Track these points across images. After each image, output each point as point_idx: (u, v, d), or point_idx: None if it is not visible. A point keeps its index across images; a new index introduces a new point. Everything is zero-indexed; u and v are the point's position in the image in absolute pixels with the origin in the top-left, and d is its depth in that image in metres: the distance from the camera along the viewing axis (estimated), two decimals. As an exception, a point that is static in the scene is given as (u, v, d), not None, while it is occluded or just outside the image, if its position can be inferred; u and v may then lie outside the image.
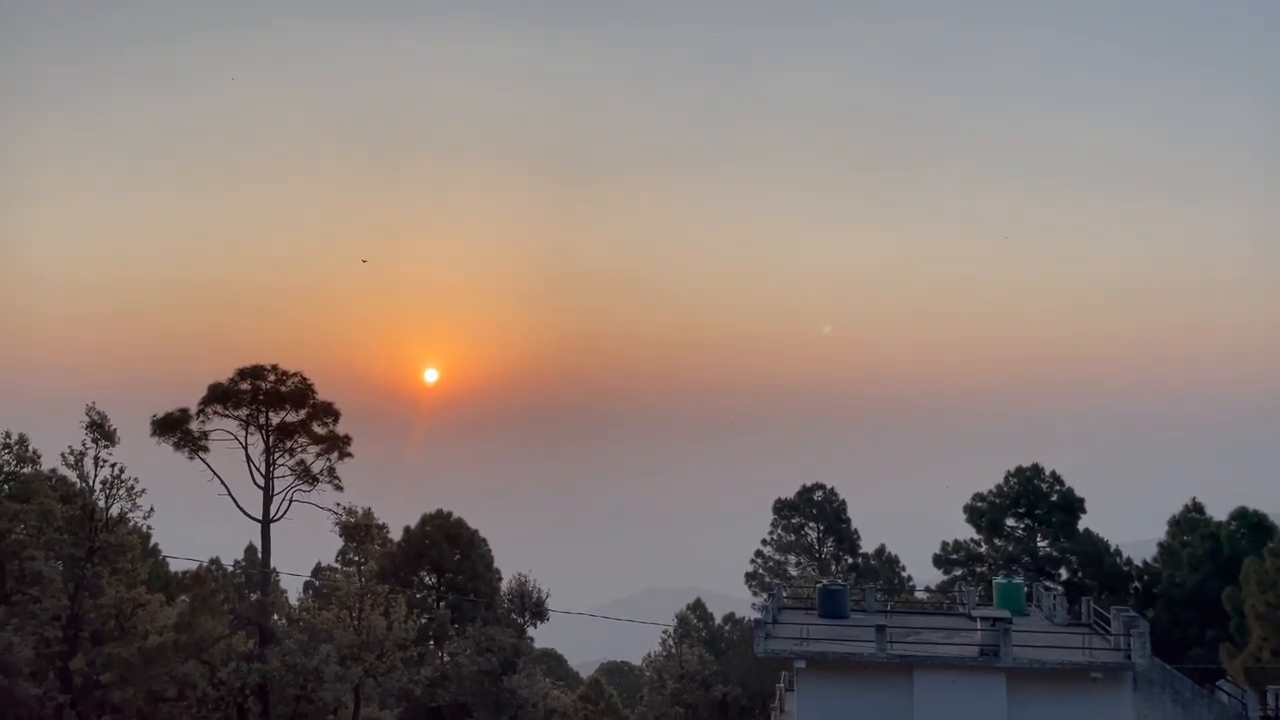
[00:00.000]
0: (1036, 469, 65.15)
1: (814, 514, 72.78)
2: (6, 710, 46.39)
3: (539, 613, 61.61)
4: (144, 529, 57.56)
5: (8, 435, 52.21)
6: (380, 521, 59.19)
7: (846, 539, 72.08)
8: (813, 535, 72.99)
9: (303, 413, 53.73)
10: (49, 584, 50.63)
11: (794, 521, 73.14)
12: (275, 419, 53.44)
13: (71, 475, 52.99)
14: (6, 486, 52.01)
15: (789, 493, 73.69)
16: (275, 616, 58.52)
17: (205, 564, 69.33)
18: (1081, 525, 64.11)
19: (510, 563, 70.30)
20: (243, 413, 53.02)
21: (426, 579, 68.95)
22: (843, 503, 72.93)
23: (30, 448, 52.74)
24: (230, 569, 74.23)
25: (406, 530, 69.29)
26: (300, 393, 53.70)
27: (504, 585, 66.94)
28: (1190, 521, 61.52)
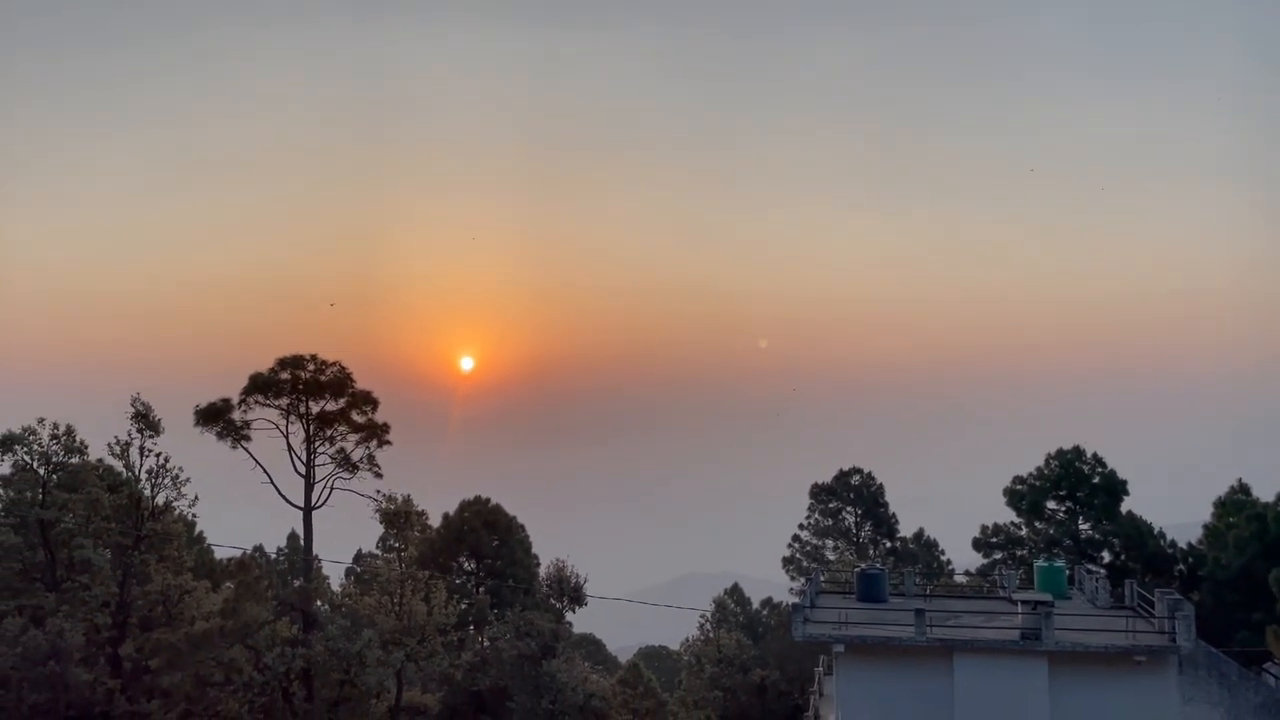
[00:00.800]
0: (1078, 451, 64.34)
1: (851, 498, 72.46)
2: (59, 695, 47.45)
3: (577, 598, 61.92)
4: (189, 517, 58.63)
5: (55, 426, 53.29)
6: (420, 508, 59.64)
7: (884, 523, 71.72)
8: (850, 519, 72.69)
9: (342, 401, 54.27)
10: (98, 572, 51.69)
11: (831, 506, 72.86)
12: (315, 408, 54.01)
13: (118, 465, 54.00)
14: (55, 476, 53.14)
15: (826, 477, 73.42)
16: (318, 602, 59.37)
17: (249, 551, 70.39)
18: (1124, 507, 63.25)
19: (548, 549, 70.74)
20: (283, 402, 53.63)
21: (466, 565, 69.59)
22: (880, 486, 72.54)
23: (77, 438, 53.82)
24: (273, 556, 75.32)
25: (446, 517, 69.91)
26: (339, 382, 54.23)
27: (542, 571, 67.37)
28: (1236, 503, 60.46)
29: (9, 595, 51.35)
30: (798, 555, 72.40)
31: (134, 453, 53.06)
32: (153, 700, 50.32)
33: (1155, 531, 62.97)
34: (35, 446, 52.62)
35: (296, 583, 57.47)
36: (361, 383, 55.00)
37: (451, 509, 70.43)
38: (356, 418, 54.38)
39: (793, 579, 70.78)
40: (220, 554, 67.32)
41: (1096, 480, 63.38)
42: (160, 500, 53.93)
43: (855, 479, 72.63)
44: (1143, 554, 61.24)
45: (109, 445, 53.02)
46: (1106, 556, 62.44)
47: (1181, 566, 61.89)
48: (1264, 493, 60.40)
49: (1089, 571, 45.12)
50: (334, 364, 54.60)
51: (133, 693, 50.76)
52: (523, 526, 71.50)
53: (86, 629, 50.28)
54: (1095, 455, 64.14)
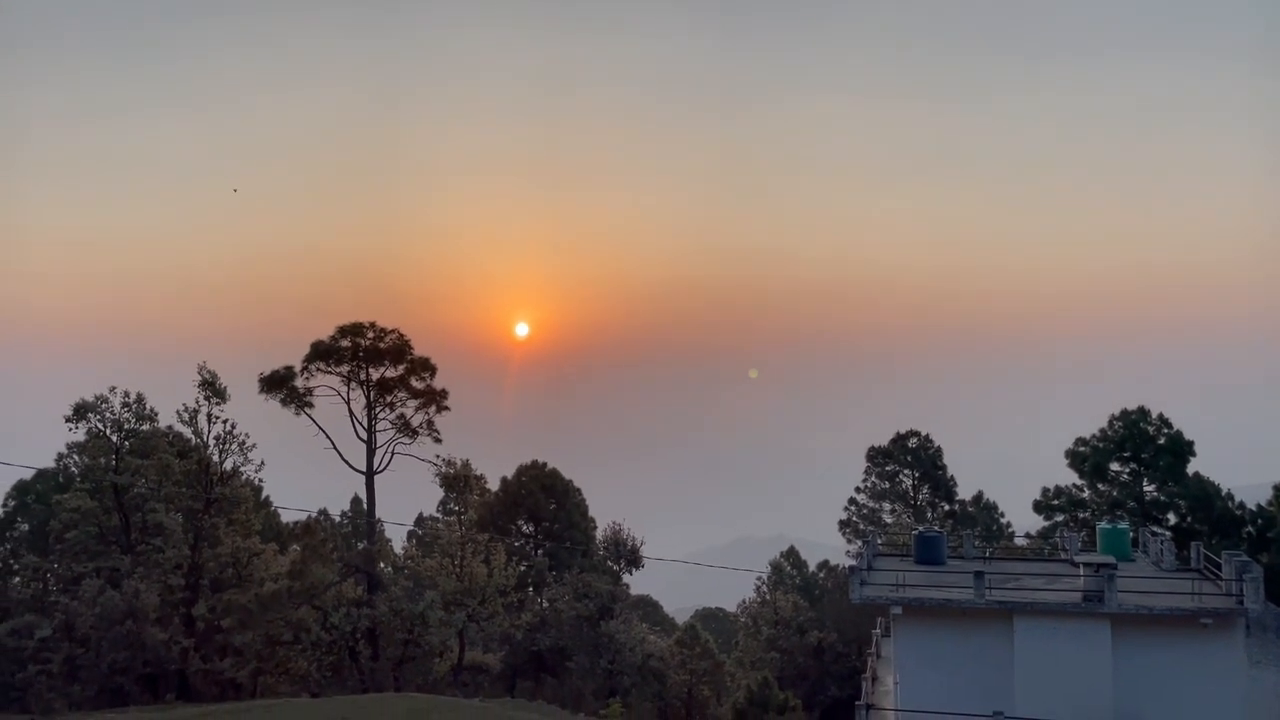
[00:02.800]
0: (1142, 411, 62.98)
1: (909, 461, 71.80)
2: (136, 653, 49.20)
3: (634, 560, 62.48)
4: (256, 482, 60.08)
5: (126, 395, 54.84)
6: (478, 472, 60.49)
7: (943, 486, 71.01)
8: (908, 482, 72.09)
9: (401, 368, 55.04)
10: (170, 535, 53.32)
11: (888, 469, 72.29)
12: (375, 374, 54.86)
13: (187, 432, 55.51)
14: (127, 443, 54.74)
15: (883, 440, 72.80)
16: (381, 564, 60.65)
17: (314, 515, 72.00)
18: (1191, 469, 61.87)
19: (604, 512, 71.34)
20: (344, 369, 54.53)
21: (524, 528, 70.47)
22: (938, 449, 71.75)
23: (148, 406, 55.33)
24: (337, 520, 76.98)
25: (504, 481, 70.73)
26: (398, 349, 54.96)
27: (599, 533, 67.99)
28: (1309, 464, 58.88)
29: (86, 558, 53.18)
30: (854, 518, 72.07)
31: (202, 420, 54.50)
32: (225, 658, 51.89)
33: (1223, 493, 61.55)
34: (108, 414, 54.18)
35: (360, 546, 58.73)
36: (419, 349, 55.72)
37: (509, 473, 71.25)
38: (415, 384, 55.13)
39: (849, 542, 70.51)
40: (286, 518, 69.04)
41: (1162, 441, 62.04)
42: (228, 465, 55.34)
43: (913, 442, 71.91)
44: (1210, 516, 59.95)
45: (178, 413, 54.48)
46: (1172, 519, 61.23)
47: (1250, 528, 60.48)
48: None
49: (1153, 533, 44.32)
50: (393, 331, 55.34)
51: (206, 651, 52.39)
52: (579, 490, 72.10)
53: (161, 590, 51.91)
54: (1161, 416, 62.74)
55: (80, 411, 53.79)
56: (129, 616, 48.96)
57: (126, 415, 54.64)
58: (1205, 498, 60.50)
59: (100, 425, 54.24)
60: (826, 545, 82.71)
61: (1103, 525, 43.31)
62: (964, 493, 71.02)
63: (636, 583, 70.65)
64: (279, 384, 53.72)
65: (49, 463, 61.27)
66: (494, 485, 69.53)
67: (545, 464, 71.96)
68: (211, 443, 54.87)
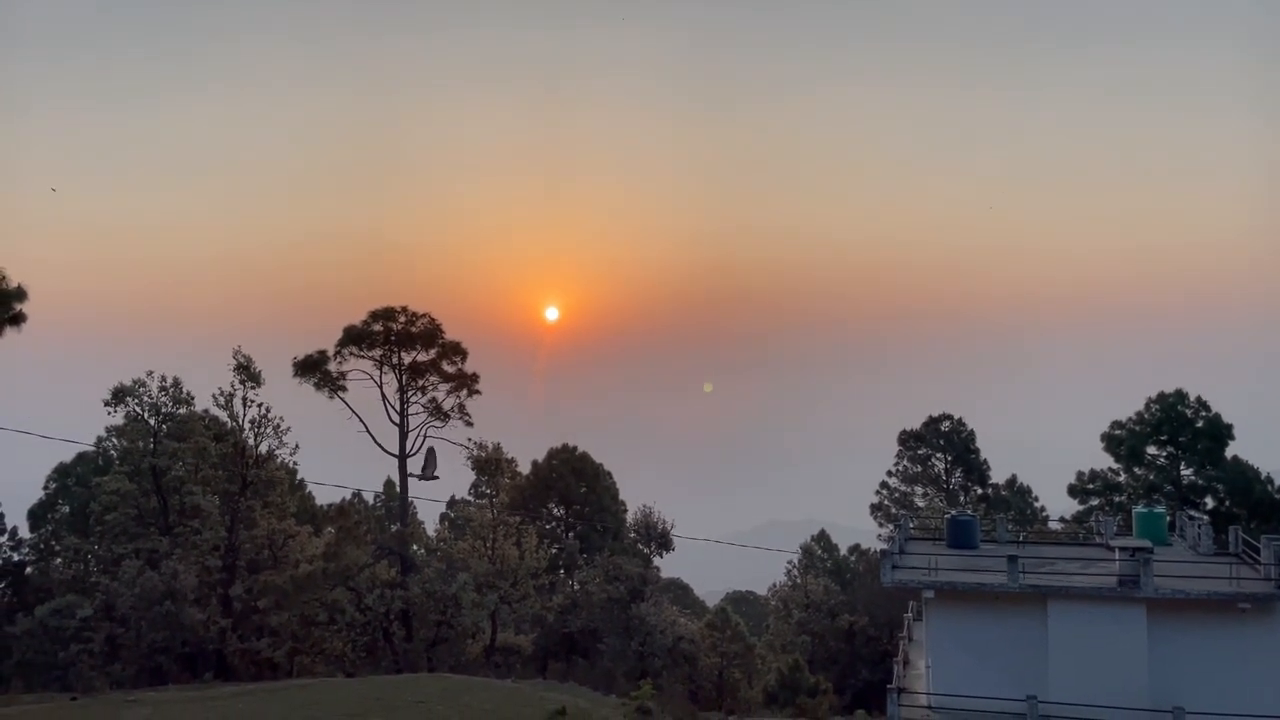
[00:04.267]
0: (1180, 394, 62.14)
1: (941, 444, 71.37)
2: (175, 633, 50.02)
3: (664, 543, 62.59)
4: (290, 465, 60.72)
5: (163, 379, 55.54)
6: (509, 456, 60.79)
7: (975, 469, 70.52)
8: (940, 466, 71.68)
9: (433, 352, 55.32)
10: (207, 517, 54.06)
11: (920, 453, 71.89)
12: (407, 359, 55.19)
13: (223, 415, 56.14)
14: (165, 426, 55.48)
15: (915, 424, 72.39)
16: (414, 546, 61.19)
17: (348, 497, 72.76)
18: (1230, 452, 61.02)
19: (634, 495, 71.57)
20: (376, 353, 54.89)
21: (555, 510, 70.84)
22: (971, 433, 71.23)
23: (184, 390, 56.00)
24: (371, 502, 77.69)
25: (535, 464, 71.08)
26: (430, 333, 55.23)
27: (629, 516, 68.19)
28: (1351, 447, 57.88)
29: (126, 539, 54.03)
30: (886, 502, 71.80)
31: (237, 403, 55.11)
32: (262, 638, 52.63)
33: (1263, 477, 60.68)
34: (145, 398, 54.89)
35: (394, 528, 59.27)
36: (451, 333, 55.97)
37: (540, 456, 71.61)
38: (447, 368, 55.41)
39: (880, 525, 70.27)
40: (320, 500, 69.78)
41: (1200, 425, 61.21)
42: (263, 449, 55.96)
43: (945, 425, 71.44)
44: (1249, 500, 59.13)
45: (214, 396, 55.12)
46: (1210, 503, 60.46)
47: (1290, 513, 59.59)
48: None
49: (1191, 518, 43.77)
50: (424, 315, 55.61)
51: (243, 631, 53.14)
52: (609, 473, 72.33)
53: (198, 571, 52.69)
54: (1199, 399, 61.88)
55: (119, 395, 54.53)
56: (168, 597, 49.75)
57: (164, 399, 55.33)
58: (1244, 481, 59.67)
59: (138, 409, 54.98)
60: (858, 529, 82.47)
61: (1139, 509, 42.83)
62: (997, 476, 70.54)
63: (667, 565, 70.82)
64: (312, 368, 54.18)
65: (89, 446, 62.26)
66: (525, 469, 69.88)
67: (575, 448, 72.23)
68: (247, 426, 55.52)
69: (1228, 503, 59.76)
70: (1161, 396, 62.47)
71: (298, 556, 54.26)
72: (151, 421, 55.26)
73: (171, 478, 54.54)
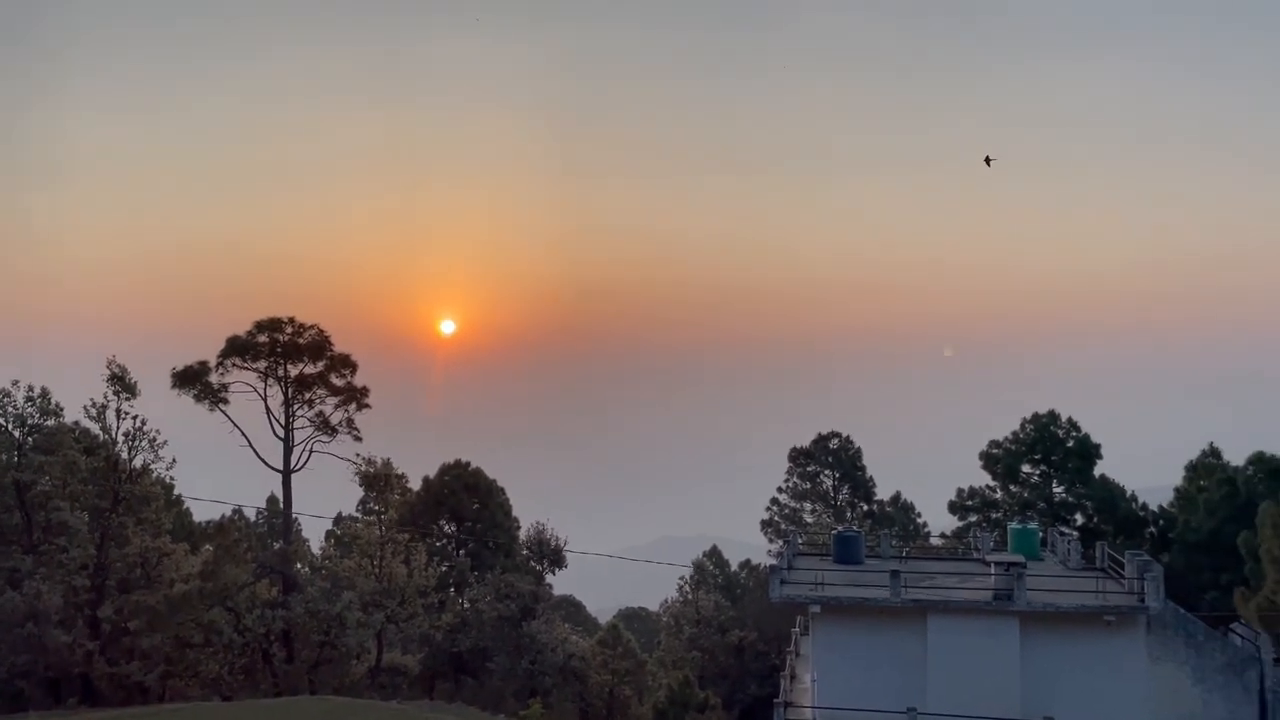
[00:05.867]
0: (1053, 415, 64.95)
1: (830, 462, 72.97)
2: (38, 656, 47.49)
3: (557, 559, 62.37)
4: (167, 480, 58.42)
5: (30, 389, 52.83)
6: (399, 471, 59.75)
7: (862, 486, 72.32)
8: (828, 483, 73.25)
9: (320, 364, 54.05)
10: (75, 534, 51.52)
11: (809, 469, 73.37)
12: (293, 371, 53.80)
13: (95, 428, 53.70)
14: (31, 439, 52.74)
15: (804, 441, 73.86)
16: (298, 565, 59.47)
17: (228, 514, 70.33)
18: (1098, 471, 63.99)
19: (528, 511, 71.01)
20: (261, 365, 53.37)
21: (446, 527, 69.74)
22: (858, 450, 73.05)
23: (53, 400, 53.36)
24: (253, 519, 75.27)
25: (426, 480, 69.89)
26: (318, 345, 53.97)
27: (522, 533, 67.66)
28: (1207, 466, 61.33)
29: (-15, 558, 51.10)
30: (776, 518, 72.98)
31: (110, 415, 52.79)
32: (132, 662, 50.42)
33: (1128, 494, 63.82)
34: (10, 409, 52.18)
35: (276, 545, 57.53)
36: (341, 346, 54.83)
37: (432, 472, 70.47)
38: (335, 381, 54.21)
39: (771, 541, 71.37)
40: (200, 516, 67.31)
41: (1071, 444, 64.06)
42: (138, 463, 53.70)
43: (834, 443, 73.10)
44: (1115, 516, 62.11)
45: (85, 408, 52.74)
46: (1079, 519, 63.28)
47: (1153, 529, 62.82)
48: (1234, 457, 61.28)
49: (1061, 533, 45.75)
50: (312, 327, 54.36)
51: (112, 654, 50.83)
52: (503, 490, 71.59)
53: (64, 591, 50.20)
54: (1070, 419, 64.78)
55: (-20, 406, 51.65)
56: (30, 618, 47.22)
57: (30, 410, 52.65)
58: (1110, 499, 62.68)
59: (1, 420, 52.19)
60: (749, 544, 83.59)
61: (1013, 525, 44.60)
62: (882, 493, 72.49)
63: (560, 583, 70.55)
64: (192, 379, 52.37)
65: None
66: (415, 484, 68.70)
67: (469, 463, 71.27)
68: (120, 439, 53.20)
69: (1096, 519, 62.65)
70: (1036, 417, 65.17)
71: (172, 576, 52.16)
72: (16, 433, 52.49)
73: (37, 493, 51.84)
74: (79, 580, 51.37)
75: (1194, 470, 61.86)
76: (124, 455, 53.37)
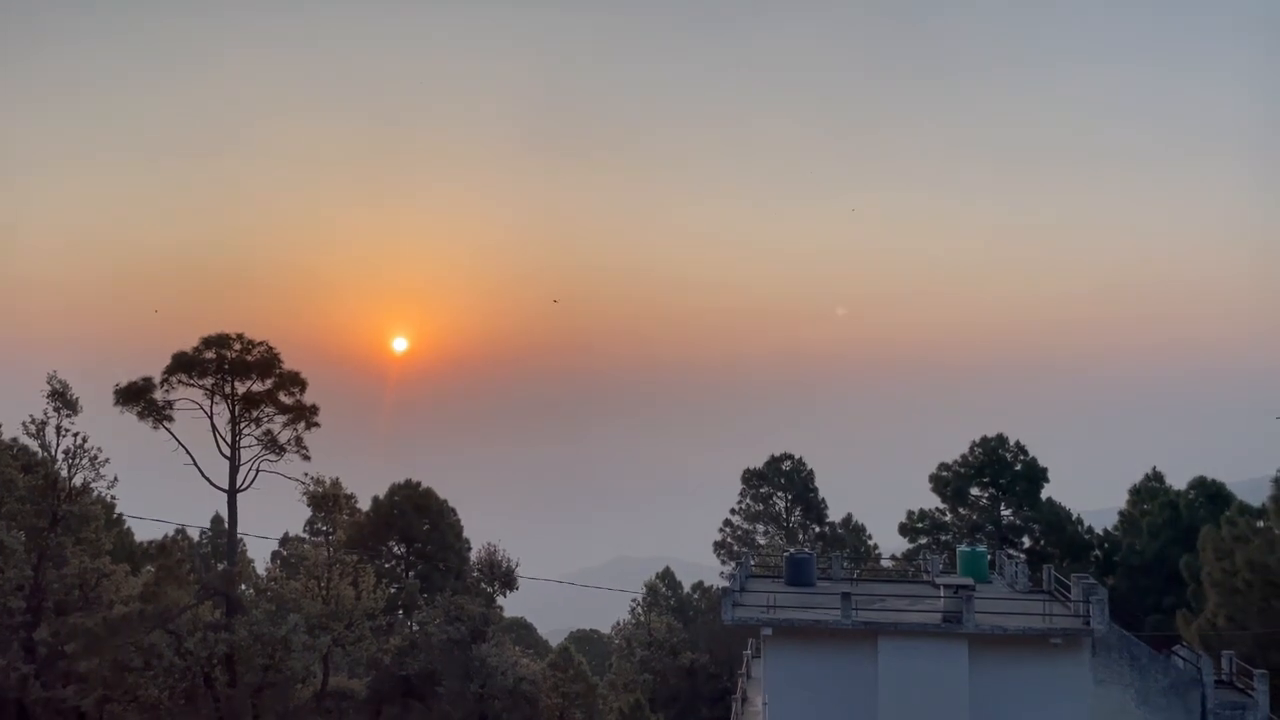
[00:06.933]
0: (1001, 439, 65.90)
1: (782, 483, 73.26)
2: (-31, 681, 45.99)
3: (508, 581, 61.78)
4: (108, 499, 57.03)
5: (-34, 404, 51.47)
6: (348, 491, 58.91)
7: (814, 508, 72.66)
8: (781, 505, 73.51)
9: (269, 382, 53.10)
10: (11, 554, 50.01)
11: (762, 491, 73.60)
12: (241, 388, 52.80)
13: (33, 445, 52.27)
14: (-35, 456, 51.24)
15: (758, 463, 74.13)
16: (242, 586, 58.16)
17: (171, 534, 68.76)
18: (1044, 494, 65.00)
19: (479, 532, 70.42)
20: (207, 382, 52.32)
21: (395, 549, 68.85)
22: (811, 473, 73.44)
23: (-11, 417, 51.95)
24: (196, 539, 73.71)
25: (375, 500, 69.04)
26: (266, 362, 53.07)
27: (473, 554, 67.00)
28: (1150, 490, 62.56)
29: (-85, 579, 49.47)
30: (729, 540, 73.05)
31: (50, 432, 51.41)
32: (69, 686, 49.03)
33: (1073, 518, 64.85)
34: (-56, 425, 50.69)
35: (220, 566, 56.33)
36: (290, 364, 53.94)
37: (382, 492, 69.61)
38: (284, 399, 53.28)
39: (723, 563, 71.40)
40: (141, 537, 65.71)
41: (1018, 468, 65.01)
42: (78, 481, 52.33)
43: (786, 465, 73.43)
44: (1061, 539, 63.05)
45: (23, 424, 51.37)
46: (1027, 542, 64.17)
47: (1098, 552, 63.87)
48: (1177, 481, 62.62)
49: (1009, 556, 46.28)
50: (260, 344, 53.40)
51: (48, 678, 49.38)
52: (454, 510, 70.90)
53: (-1, 613, 48.76)
54: (1018, 443, 65.77)
55: (-88, 421, 50.13)
56: (-39, 642, 45.69)
57: (-35, 426, 51.18)
58: (1057, 522, 63.64)
59: (-65, 437, 50.67)
60: (702, 566, 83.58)
61: (962, 548, 45.04)
62: (834, 515, 72.89)
63: (511, 605, 69.91)
64: (136, 396, 51.15)
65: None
66: (365, 504, 67.79)
67: (419, 483, 70.54)
68: (60, 457, 51.83)
69: (1043, 541, 63.56)
70: (984, 440, 66.09)
71: (112, 597, 50.83)
72: (-50, 450, 50.97)
73: (-30, 512, 50.35)
74: (14, 602, 49.88)
75: (1137, 494, 63.09)
76: (63, 473, 52.00)
